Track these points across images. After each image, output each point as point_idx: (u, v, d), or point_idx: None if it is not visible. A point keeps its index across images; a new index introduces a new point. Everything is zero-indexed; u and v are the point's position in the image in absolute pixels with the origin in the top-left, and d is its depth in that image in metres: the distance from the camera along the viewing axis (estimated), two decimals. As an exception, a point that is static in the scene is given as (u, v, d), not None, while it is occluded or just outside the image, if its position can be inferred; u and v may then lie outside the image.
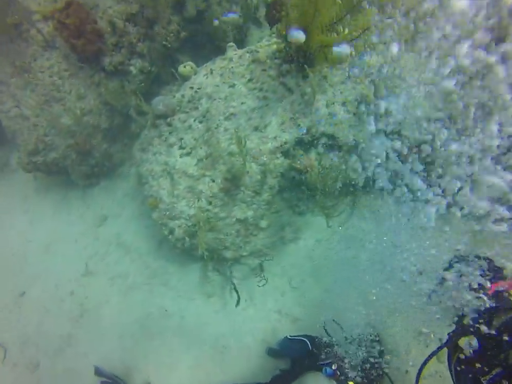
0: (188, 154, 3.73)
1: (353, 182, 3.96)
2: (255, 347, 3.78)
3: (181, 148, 3.77)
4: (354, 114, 3.58)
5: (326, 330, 3.27)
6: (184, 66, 4.06)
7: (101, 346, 3.94)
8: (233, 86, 3.73)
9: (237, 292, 3.82)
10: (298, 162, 3.52)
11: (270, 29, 4.41)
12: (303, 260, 4.25)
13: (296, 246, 4.35)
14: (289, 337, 3.36)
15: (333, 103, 3.53)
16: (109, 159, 4.86)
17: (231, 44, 4.14)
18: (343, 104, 3.55)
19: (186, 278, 4.34)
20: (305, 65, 3.37)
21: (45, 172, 4.61)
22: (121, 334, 4.01)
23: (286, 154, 3.57)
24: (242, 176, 3.43)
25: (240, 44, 4.81)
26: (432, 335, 3.07)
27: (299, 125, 3.50)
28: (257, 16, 5.95)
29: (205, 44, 5.01)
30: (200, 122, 3.75)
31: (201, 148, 3.67)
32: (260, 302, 4.04)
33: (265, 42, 4.01)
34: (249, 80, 3.71)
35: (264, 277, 3.87)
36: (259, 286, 3.84)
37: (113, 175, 5.19)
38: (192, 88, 3.88)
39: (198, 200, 3.62)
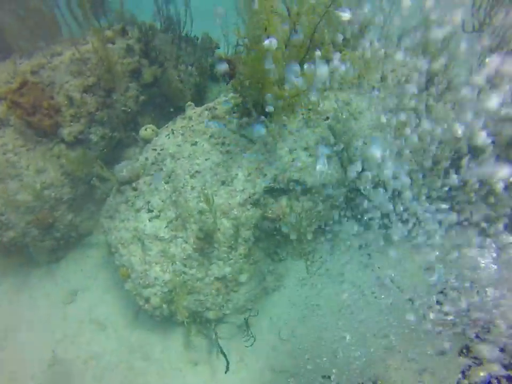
0: (157, 217, 3.62)
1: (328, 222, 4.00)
2: (252, 417, 3.47)
3: (149, 211, 3.66)
4: (317, 157, 3.69)
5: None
6: (146, 129, 4.09)
7: None
8: (195, 143, 3.77)
9: (224, 355, 3.57)
10: (270, 211, 3.51)
11: (226, 84, 4.60)
12: (290, 308, 4.10)
13: (280, 294, 4.21)
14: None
15: (295, 149, 3.63)
16: (75, 230, 4.62)
17: (189, 103, 4.25)
18: (305, 149, 3.65)
19: (169, 346, 4.02)
20: (263, 117, 3.49)
21: (2, 253, 4.29)
22: (99, 428, 3.55)
23: (256, 204, 3.56)
24: (214, 233, 3.35)
25: (199, 102, 4.95)
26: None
27: (265, 174, 3.54)
28: (214, 72, 6.26)
29: (164, 105, 5.12)
30: (166, 183, 3.70)
31: (169, 210, 3.59)
32: (251, 361, 3.78)
33: (222, 98, 4.15)
34: (211, 136, 3.77)
35: (251, 334, 3.66)
36: (247, 347, 3.60)
37: (81, 246, 4.91)
38: (155, 150, 3.88)
39: (172, 264, 3.46)
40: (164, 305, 3.53)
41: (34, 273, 4.72)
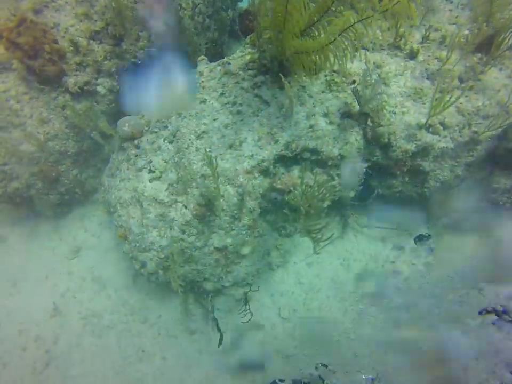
0: (158, 178, 3.38)
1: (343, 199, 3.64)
2: (244, 392, 3.35)
3: (150, 171, 3.42)
4: (338, 125, 3.27)
5: (320, 377, 2.86)
6: (153, 83, 3.76)
7: (69, 403, 3.50)
8: (204, 101, 3.42)
9: (219, 329, 3.42)
10: (279, 181, 3.18)
11: (244, 40, 4.15)
12: (294, 286, 3.87)
13: (285, 271, 3.97)
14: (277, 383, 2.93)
15: (314, 115, 3.22)
16: (81, 186, 4.51)
17: (202, 57, 3.86)
18: (325, 115, 3.24)
19: (166, 313, 3.93)
20: (281, 75, 3.08)
21: (10, 204, 4.25)
22: (94, 384, 3.57)
23: (265, 173, 3.24)
24: (217, 200, 3.08)
25: (218, 59, 4.55)
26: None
27: (277, 141, 3.18)
28: (235, 29, 5.75)
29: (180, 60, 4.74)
30: (170, 142, 3.42)
31: (172, 171, 3.33)
32: (247, 338, 3.63)
33: (238, 53, 3.73)
34: (221, 94, 3.41)
35: (249, 310, 3.47)
36: (243, 323, 3.43)
37: (87, 203, 4.82)
38: (161, 106, 3.57)
39: (171, 229, 3.25)
40: (160, 272, 3.37)
41: (41, 227, 4.70)
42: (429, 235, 3.73)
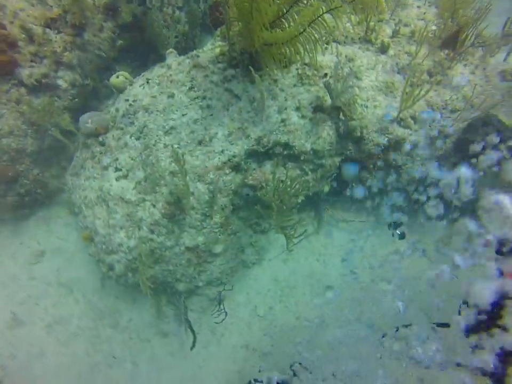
0: (125, 177, 3.22)
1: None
2: (219, 394, 3.27)
3: (117, 170, 3.25)
4: (310, 120, 3.22)
5: (294, 372, 2.82)
6: (117, 77, 3.57)
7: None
8: (172, 96, 3.28)
9: (192, 331, 3.31)
10: (251, 177, 3.10)
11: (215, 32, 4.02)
12: (269, 283, 3.81)
13: (260, 268, 3.91)
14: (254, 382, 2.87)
15: (285, 109, 3.16)
16: (43, 186, 4.23)
17: (171, 50, 3.71)
18: (297, 109, 3.18)
19: (138, 316, 3.78)
20: (252, 68, 2.98)
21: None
22: (59, 396, 3.37)
23: (236, 169, 3.15)
24: (186, 198, 2.96)
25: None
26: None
27: (249, 136, 3.09)
28: (207, 22, 5.58)
29: (149, 53, 4.54)
30: (137, 139, 3.25)
31: (139, 169, 3.17)
32: (223, 337, 3.55)
33: (208, 46, 3.60)
34: (190, 88, 3.27)
35: (223, 310, 3.38)
36: (217, 323, 3.34)
37: (52, 204, 4.54)
38: (127, 100, 3.40)
39: (139, 229, 3.10)
40: (129, 274, 3.22)
41: (-1, 231, 4.40)
42: (401, 222, 3.77)
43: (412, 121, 3.35)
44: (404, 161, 3.50)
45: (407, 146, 3.28)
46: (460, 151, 3.44)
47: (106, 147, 3.29)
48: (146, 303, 3.77)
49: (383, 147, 3.32)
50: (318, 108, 3.20)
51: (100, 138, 3.30)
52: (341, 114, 3.21)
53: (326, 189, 3.54)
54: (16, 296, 3.94)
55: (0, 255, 4.25)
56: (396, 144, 3.38)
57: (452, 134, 3.45)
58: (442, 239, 3.64)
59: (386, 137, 3.28)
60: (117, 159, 3.26)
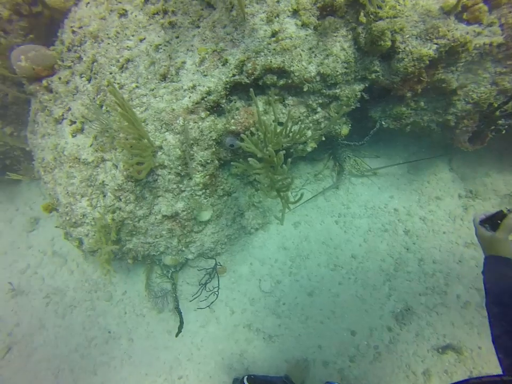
0: (81, 130, 2.55)
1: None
2: (218, 377, 2.84)
3: (71, 122, 2.58)
4: (315, 29, 2.19)
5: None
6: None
7: (33, 390, 3.15)
8: (124, 14, 2.40)
9: (179, 313, 2.80)
10: (233, 120, 2.25)
11: None
12: (276, 253, 3.13)
13: (266, 234, 3.22)
14: (252, 377, 2.33)
15: (277, 16, 2.15)
16: (22, 146, 3.76)
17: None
18: (294, 13, 2.15)
19: (132, 289, 3.38)
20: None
21: None
22: (58, 370, 3.18)
23: (215, 111, 2.31)
24: (152, 154, 2.23)
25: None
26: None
27: (226, 61, 2.18)
28: None
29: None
30: (88, 79, 2.50)
31: (96, 120, 2.46)
32: (222, 315, 3.04)
33: None
34: (147, 0, 2.36)
35: (216, 288, 2.80)
36: (202, 308, 2.78)
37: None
38: (72, 27, 2.59)
39: (104, 197, 2.50)
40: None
41: (-5, 196, 4.13)
42: None
43: (485, 8, 2.11)
44: (462, 82, 2.38)
45: (469, 56, 2.13)
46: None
47: (55, 94, 2.60)
48: (141, 275, 3.34)
49: (428, 62, 2.21)
50: (326, 8, 2.13)
51: (45, 83, 2.59)
52: (362, 13, 2.11)
53: (345, 130, 2.59)
54: (16, 265, 3.74)
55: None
56: (450, 55, 2.24)
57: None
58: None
59: (436, 44, 2.14)
60: (69, 109, 2.57)
